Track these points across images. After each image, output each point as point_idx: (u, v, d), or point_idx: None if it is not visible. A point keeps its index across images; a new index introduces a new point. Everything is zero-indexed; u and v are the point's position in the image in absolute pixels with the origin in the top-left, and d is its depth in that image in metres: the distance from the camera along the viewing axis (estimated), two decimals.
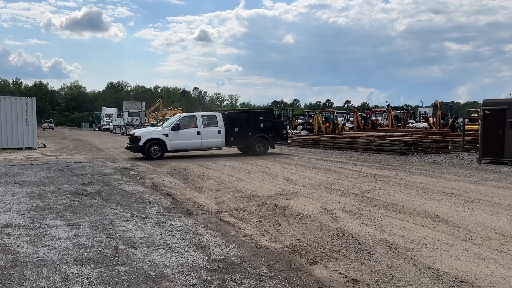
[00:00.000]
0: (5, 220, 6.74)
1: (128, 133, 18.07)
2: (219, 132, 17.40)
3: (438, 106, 29.48)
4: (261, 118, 18.26)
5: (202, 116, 17.81)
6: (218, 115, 17.78)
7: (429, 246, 5.38)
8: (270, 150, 18.48)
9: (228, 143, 17.66)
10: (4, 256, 5.01)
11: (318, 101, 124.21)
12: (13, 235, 5.88)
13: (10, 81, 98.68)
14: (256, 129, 17.97)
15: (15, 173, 12.48)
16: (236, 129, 17.70)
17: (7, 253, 5.14)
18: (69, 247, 5.36)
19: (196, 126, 17.17)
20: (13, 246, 5.39)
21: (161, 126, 18.83)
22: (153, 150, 16.53)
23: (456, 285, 4.20)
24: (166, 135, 16.73)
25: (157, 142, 16.62)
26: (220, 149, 17.99)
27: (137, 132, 17.61)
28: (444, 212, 7.17)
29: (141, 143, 16.46)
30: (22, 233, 5.98)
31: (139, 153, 17.05)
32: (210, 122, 17.60)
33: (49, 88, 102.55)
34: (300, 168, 13.38)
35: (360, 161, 15.47)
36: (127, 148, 17.56)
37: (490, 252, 5.16)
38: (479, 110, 22.02)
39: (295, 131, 34.48)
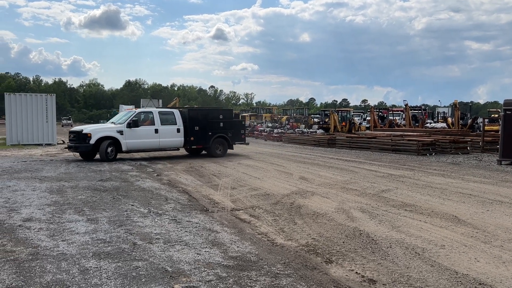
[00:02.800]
0: (26, 214, 6.89)
1: (70, 130, 15.76)
2: (178, 131, 15.94)
3: (457, 106, 29.02)
4: (221, 117, 17.10)
5: (159, 112, 16.17)
6: (176, 112, 16.36)
7: (447, 248, 5.31)
8: (281, 149, 18.39)
9: (187, 143, 16.21)
10: (26, 249, 5.12)
11: (334, 100, 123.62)
12: (33, 229, 6.01)
13: (31, 79, 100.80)
14: (216, 129, 16.65)
15: (35, 168, 12.73)
16: (197, 128, 16.27)
17: (28, 246, 5.25)
18: (88, 241, 5.45)
19: (153, 124, 15.54)
20: (34, 240, 5.51)
21: (110, 122, 16.63)
22: (110, 151, 14.69)
23: (475, 287, 4.14)
24: (121, 132, 14.83)
25: (111, 141, 14.75)
26: (178, 149, 16.75)
27: (86, 128, 15.09)
28: (463, 214, 7.06)
29: (92, 141, 14.42)
30: (42, 227, 6.10)
31: (78, 154, 15.35)
32: (168, 119, 16.01)
33: (68, 86, 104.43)
34: (316, 167, 13.32)
35: (377, 161, 15.33)
36: (69, 148, 15.36)
37: (511, 254, 5.06)
38: (499, 110, 21.58)
39: (310, 130, 34.38)
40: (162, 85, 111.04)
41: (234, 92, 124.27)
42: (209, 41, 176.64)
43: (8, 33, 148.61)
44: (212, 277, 4.31)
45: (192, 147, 16.47)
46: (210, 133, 16.47)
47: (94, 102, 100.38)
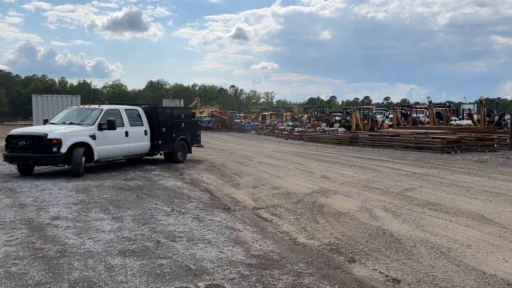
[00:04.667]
0: (53, 212, 7.08)
1: (15, 133, 11.22)
2: (145, 133, 13.33)
3: (483, 102, 28.29)
4: (182, 116, 14.95)
5: (126, 110, 13.10)
6: (140, 110, 13.56)
7: (474, 247, 5.20)
8: (302, 148, 18.26)
9: (154, 148, 13.64)
10: (54, 247, 5.26)
11: (356, 98, 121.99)
12: (61, 227, 6.16)
13: (57, 80, 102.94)
14: (179, 130, 14.53)
15: (62, 168, 13.02)
16: (164, 129, 13.87)
17: (56, 244, 5.39)
18: (113, 239, 5.56)
19: (122, 125, 12.46)
20: (61, 238, 5.65)
21: (62, 122, 12.22)
22: (83, 162, 11.13)
23: None
24: (93, 137, 11.46)
25: (84, 149, 11.18)
26: (145, 155, 13.97)
27: (52, 132, 10.78)
28: (490, 213, 6.90)
29: (63, 150, 10.65)
30: (69, 225, 6.26)
31: (16, 166, 11.27)
32: (134, 119, 13.16)
33: (93, 87, 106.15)
34: (338, 166, 13.22)
35: (400, 159, 15.11)
36: (11, 159, 10.96)
37: None
38: None
39: (332, 128, 34.10)
40: (184, 85, 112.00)
41: (255, 91, 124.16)
42: (230, 41, 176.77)
43: (34, 36, 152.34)
44: (235, 275, 4.34)
45: (159, 152, 14.16)
46: (174, 135, 14.31)
47: (118, 103, 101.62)
